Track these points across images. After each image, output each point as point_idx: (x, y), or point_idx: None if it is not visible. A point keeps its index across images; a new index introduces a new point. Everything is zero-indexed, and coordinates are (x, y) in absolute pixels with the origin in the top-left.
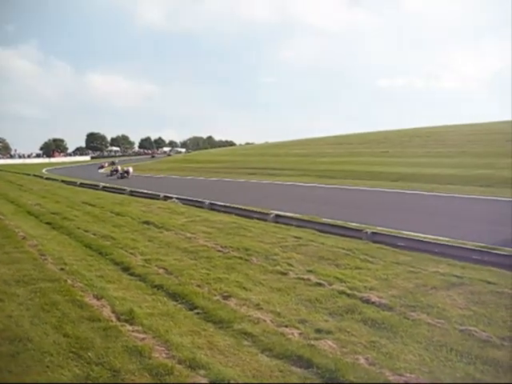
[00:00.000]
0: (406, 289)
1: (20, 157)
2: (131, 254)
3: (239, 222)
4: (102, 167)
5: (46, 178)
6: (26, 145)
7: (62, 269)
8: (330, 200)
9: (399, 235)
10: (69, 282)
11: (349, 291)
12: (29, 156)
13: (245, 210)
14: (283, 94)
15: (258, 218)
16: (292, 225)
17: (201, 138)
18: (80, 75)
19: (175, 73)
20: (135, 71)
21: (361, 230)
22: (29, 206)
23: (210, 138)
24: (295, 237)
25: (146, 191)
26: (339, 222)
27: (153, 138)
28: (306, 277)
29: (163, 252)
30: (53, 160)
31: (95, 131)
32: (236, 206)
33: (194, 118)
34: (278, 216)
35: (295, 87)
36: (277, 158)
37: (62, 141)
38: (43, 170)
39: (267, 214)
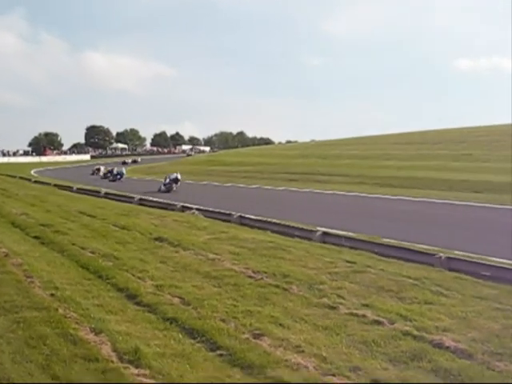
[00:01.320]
0: (490, 331)
1: (4, 154)
2: (139, 278)
3: (276, 241)
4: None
5: (35, 182)
6: (12, 140)
7: (52, 294)
8: (393, 215)
9: (483, 262)
10: (60, 311)
11: (415, 332)
12: (14, 154)
13: (283, 225)
14: (333, 78)
15: (300, 237)
16: (344, 245)
17: (229, 134)
18: (77, 53)
19: (195, 51)
20: (146, 48)
21: (433, 255)
22: (13, 215)
23: (240, 134)
24: (348, 261)
25: (158, 200)
26: (405, 244)
27: (169, 133)
28: (360, 312)
29: (179, 277)
30: (44, 159)
31: (97, 124)
32: (273, 220)
33: (220, 109)
34: (325, 234)
35: (349, 70)
36: (326, 161)
37: (55, 135)
38: (32, 172)
39: (312, 231)
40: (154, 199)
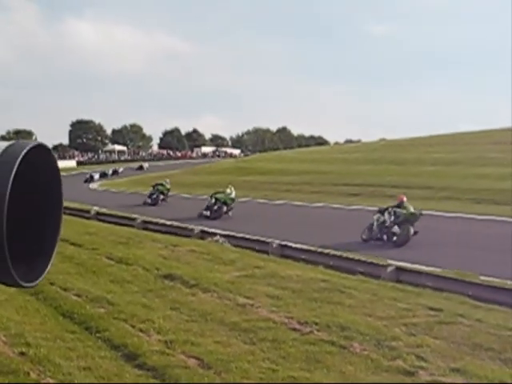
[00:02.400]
0: None
1: None
2: (141, 330)
3: (331, 280)
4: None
5: None
6: None
7: (22, 353)
8: (494, 242)
9: None
10: (32, 375)
11: None
12: None
13: (341, 257)
14: (405, 54)
15: (364, 273)
16: (425, 286)
17: (267, 132)
18: (55, 22)
19: (218, 18)
20: (149, 16)
21: None
22: None
23: (282, 131)
24: (431, 308)
25: (168, 223)
26: (510, 284)
27: (183, 130)
28: (447, 381)
29: (196, 329)
30: None
31: (85, 118)
32: (326, 251)
33: (254, 98)
34: (400, 270)
35: (427, 42)
36: (400, 168)
37: (28, 133)
38: None
39: (381, 265)
40: (161, 221)
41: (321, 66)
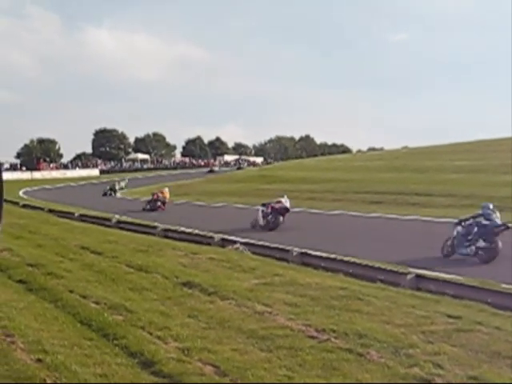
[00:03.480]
0: None
1: None
2: (158, 338)
3: (350, 288)
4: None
5: (24, 206)
6: None
7: (39, 360)
8: None
9: None
10: (49, 382)
11: None
12: None
13: (360, 265)
14: (429, 62)
15: (384, 281)
16: (445, 293)
17: (290, 140)
18: (75, 32)
19: (238, 27)
20: (168, 24)
21: None
22: None
23: (305, 139)
24: (449, 315)
25: (189, 231)
26: None
27: (206, 139)
28: None
29: (213, 336)
30: (37, 175)
31: (108, 127)
32: (345, 258)
33: (275, 106)
34: (420, 278)
35: (451, 50)
36: (423, 176)
37: (52, 142)
38: (20, 192)
39: (401, 273)
40: (184, 230)
41: (343, 73)
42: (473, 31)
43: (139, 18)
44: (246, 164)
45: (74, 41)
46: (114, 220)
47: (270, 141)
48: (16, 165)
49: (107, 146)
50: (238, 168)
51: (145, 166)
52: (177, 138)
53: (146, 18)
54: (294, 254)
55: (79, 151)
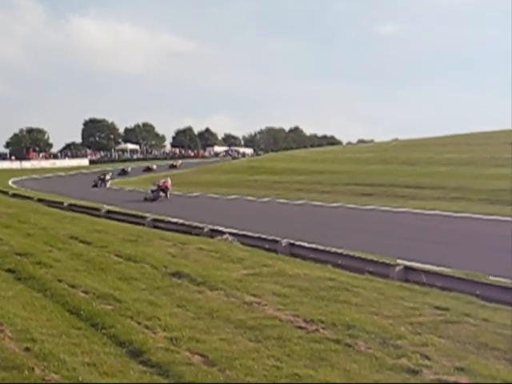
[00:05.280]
0: None
1: None
2: (147, 327)
3: (339, 279)
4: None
5: (14, 195)
6: None
7: (27, 349)
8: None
9: None
10: (37, 371)
11: None
12: None
13: (349, 256)
14: (417, 54)
15: (372, 273)
16: (434, 285)
17: (280, 132)
18: (61, 22)
19: (226, 18)
20: (154, 14)
21: None
22: None
23: (295, 131)
24: (437, 307)
25: (179, 221)
26: None
27: (196, 129)
28: (451, 379)
29: (202, 326)
30: (26, 164)
31: (98, 117)
32: (334, 249)
33: (266, 97)
34: (408, 269)
35: (440, 42)
36: (412, 168)
37: (41, 132)
38: (9, 182)
39: (389, 265)
40: (173, 220)
41: (332, 65)
42: (464, 22)
43: (125, 8)
44: (237, 155)
45: (60, 31)
46: (103, 210)
47: (260, 132)
48: (5, 154)
49: (97, 135)
50: (234, 158)
51: (134, 157)
52: (166, 129)
53: (132, 8)
54: (283, 244)
55: (69, 141)
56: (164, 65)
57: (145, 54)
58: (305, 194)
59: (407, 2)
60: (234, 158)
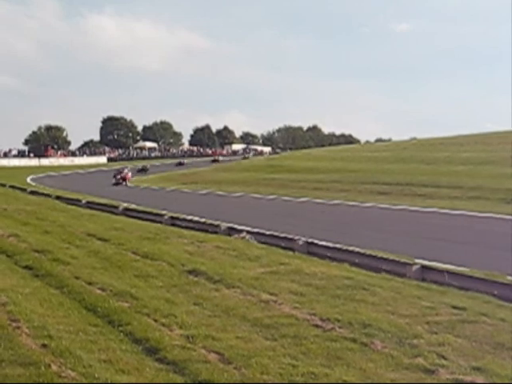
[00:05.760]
0: None
1: None
2: (163, 325)
3: (356, 278)
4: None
5: (32, 192)
6: (2, 136)
7: (43, 345)
8: None
9: None
10: (53, 367)
11: None
12: (6, 155)
13: (366, 255)
14: (437, 52)
15: (389, 272)
16: (451, 285)
17: (298, 130)
18: (78, 19)
19: (243, 16)
20: (171, 12)
21: None
22: None
23: (313, 129)
24: (454, 307)
25: (196, 219)
26: None
27: (214, 127)
28: (468, 379)
29: (218, 324)
30: (45, 162)
31: (116, 115)
32: (351, 248)
33: (284, 96)
34: (425, 269)
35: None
36: (431, 167)
37: (59, 129)
38: (28, 179)
39: (406, 264)
40: (191, 218)
41: (350, 64)
42: (483, 20)
43: (142, 6)
44: (251, 154)
45: (77, 28)
46: (120, 207)
47: (279, 130)
48: (24, 151)
49: (115, 133)
50: (244, 158)
51: (152, 155)
52: (183, 127)
53: (149, 5)
54: (300, 243)
55: (87, 139)
56: (181, 62)
57: (162, 51)
58: (322, 193)
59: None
60: (245, 158)
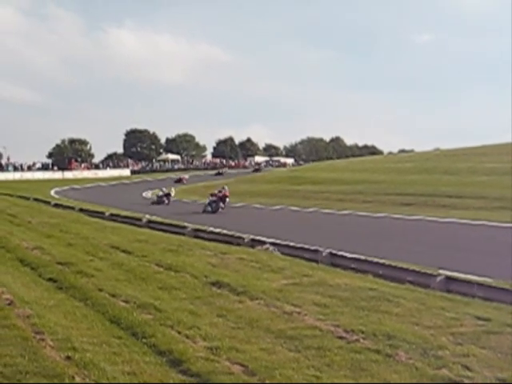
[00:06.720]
0: None
1: (16, 169)
2: (187, 337)
3: (380, 289)
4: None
5: (55, 205)
6: (26, 150)
7: (68, 357)
8: None
9: None
10: (77, 379)
11: None
12: (30, 168)
13: (390, 266)
14: (461, 64)
15: (413, 283)
16: (475, 296)
17: (320, 142)
18: (99, 33)
19: (261, 29)
20: (191, 25)
21: None
22: (23, 250)
23: (336, 140)
24: (479, 317)
25: (219, 231)
26: None
27: (237, 139)
28: None
29: (242, 336)
30: (68, 175)
31: (139, 127)
32: (375, 259)
33: (306, 108)
34: (450, 280)
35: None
36: (454, 178)
37: (83, 142)
38: (51, 192)
39: (431, 275)
40: (214, 230)
41: (371, 75)
42: (501, 32)
43: (163, 20)
44: (264, 165)
45: (98, 42)
46: (144, 220)
47: (301, 142)
48: (48, 164)
49: (138, 146)
50: (255, 170)
51: (176, 167)
52: (206, 139)
53: (171, 19)
54: (324, 254)
55: (110, 151)
56: (203, 75)
57: (183, 64)
58: (346, 204)
59: (445, 11)
60: (256, 170)
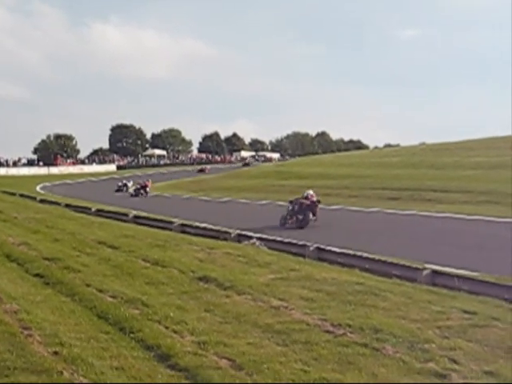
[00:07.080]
0: None
1: (1, 164)
2: (175, 331)
3: (366, 283)
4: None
5: (41, 201)
6: (11, 145)
7: (55, 353)
8: None
9: None
10: (65, 374)
11: None
12: (15, 163)
13: (377, 261)
14: (444, 57)
15: (400, 277)
16: (461, 289)
17: (306, 136)
18: (83, 29)
19: (246, 23)
20: (176, 20)
21: None
22: (9, 245)
23: (321, 135)
24: (465, 311)
25: (206, 226)
26: None
27: (223, 134)
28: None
29: (229, 330)
30: (54, 170)
31: (125, 122)
32: (362, 254)
33: (291, 102)
34: (436, 274)
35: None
36: (440, 172)
37: (69, 138)
38: (37, 188)
39: (417, 269)
40: (201, 225)
41: (357, 70)
42: (490, 26)
43: (148, 15)
44: (253, 160)
45: (82, 38)
46: (130, 215)
47: (287, 137)
48: (33, 160)
49: (124, 141)
50: (244, 165)
51: (161, 162)
52: (192, 134)
53: (155, 14)
54: (311, 249)
55: (96, 147)
56: (188, 71)
57: (168, 60)
58: (332, 199)
59: (431, 6)
60: (245, 165)
